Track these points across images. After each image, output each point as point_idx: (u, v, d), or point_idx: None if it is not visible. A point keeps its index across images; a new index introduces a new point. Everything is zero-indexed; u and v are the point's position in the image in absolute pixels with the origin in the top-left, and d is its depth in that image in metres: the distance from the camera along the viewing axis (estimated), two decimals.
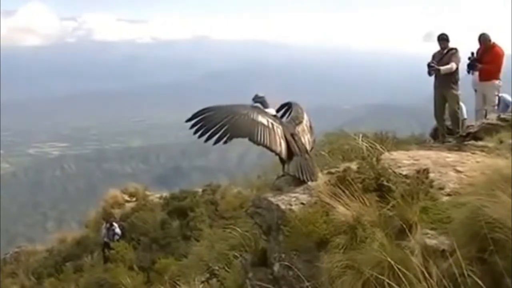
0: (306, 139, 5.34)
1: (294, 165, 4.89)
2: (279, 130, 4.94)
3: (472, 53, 10.04)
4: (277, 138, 4.88)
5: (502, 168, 3.54)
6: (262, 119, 4.84)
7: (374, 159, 4.85)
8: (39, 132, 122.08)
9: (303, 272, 4.15)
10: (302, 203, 4.53)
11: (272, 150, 4.85)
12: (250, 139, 4.71)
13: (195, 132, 4.58)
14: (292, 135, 5.12)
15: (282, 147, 4.88)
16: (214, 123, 4.58)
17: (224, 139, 4.58)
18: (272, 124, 4.91)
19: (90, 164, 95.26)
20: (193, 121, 4.63)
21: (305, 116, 5.61)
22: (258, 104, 5.22)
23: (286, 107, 5.84)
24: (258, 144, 4.74)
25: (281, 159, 5.04)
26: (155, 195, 16.49)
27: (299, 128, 5.36)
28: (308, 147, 5.27)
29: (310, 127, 5.61)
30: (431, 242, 3.61)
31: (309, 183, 4.79)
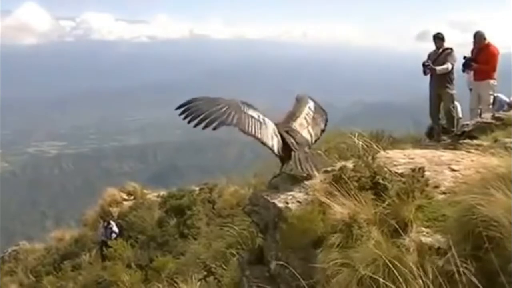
0: (305, 132, 5.34)
1: (293, 161, 4.91)
2: (270, 126, 4.98)
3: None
4: (269, 132, 4.92)
5: (497, 167, 3.57)
6: (253, 113, 4.89)
7: (370, 157, 4.87)
8: (38, 131, 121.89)
9: (299, 270, 4.17)
10: (299, 202, 4.55)
11: (264, 143, 4.86)
12: (240, 129, 4.74)
13: (185, 118, 4.64)
14: (288, 131, 5.14)
15: (274, 142, 4.91)
16: (204, 110, 4.64)
17: (214, 124, 4.61)
18: (264, 119, 4.95)
19: (88, 163, 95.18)
20: (183, 108, 4.70)
21: (307, 107, 5.60)
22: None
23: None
24: (249, 134, 4.76)
25: (280, 158, 5.07)
26: (153, 194, 16.46)
27: (296, 124, 5.37)
28: (310, 139, 5.30)
29: (314, 116, 5.58)
30: (427, 240, 3.63)
31: (309, 179, 4.79)
